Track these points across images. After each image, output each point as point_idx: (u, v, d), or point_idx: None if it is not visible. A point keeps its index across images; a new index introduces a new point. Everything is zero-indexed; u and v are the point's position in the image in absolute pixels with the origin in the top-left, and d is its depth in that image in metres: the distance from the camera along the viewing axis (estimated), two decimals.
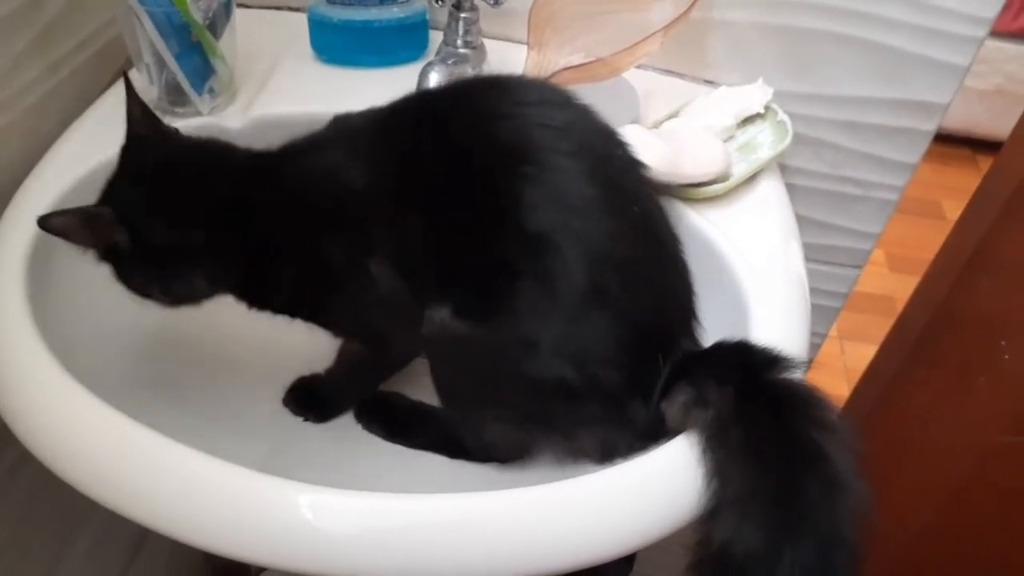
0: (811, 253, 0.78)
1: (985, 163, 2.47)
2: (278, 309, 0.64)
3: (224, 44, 0.72)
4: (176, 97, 0.72)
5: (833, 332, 1.00)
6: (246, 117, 0.74)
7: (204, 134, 0.71)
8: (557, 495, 0.50)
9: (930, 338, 0.94)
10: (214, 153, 0.62)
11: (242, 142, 0.64)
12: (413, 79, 0.74)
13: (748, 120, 0.78)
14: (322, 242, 0.59)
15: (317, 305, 0.63)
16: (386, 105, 0.62)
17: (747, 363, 0.56)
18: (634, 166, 0.61)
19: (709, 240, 0.67)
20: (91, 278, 0.60)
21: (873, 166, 0.85)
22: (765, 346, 0.56)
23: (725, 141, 0.75)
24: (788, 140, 0.74)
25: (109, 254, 0.59)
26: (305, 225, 0.60)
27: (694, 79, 0.84)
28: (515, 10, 0.74)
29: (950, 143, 2.48)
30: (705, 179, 0.70)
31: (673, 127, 0.76)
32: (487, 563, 0.48)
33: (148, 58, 0.70)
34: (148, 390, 0.65)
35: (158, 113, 0.72)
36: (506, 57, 0.78)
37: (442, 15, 0.78)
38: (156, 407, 0.61)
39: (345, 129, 0.62)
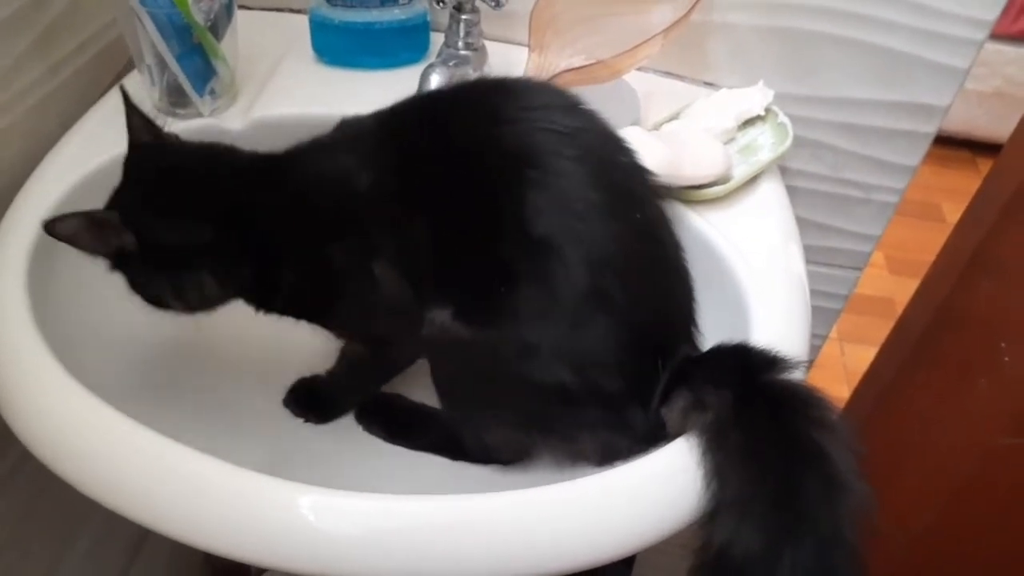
0: (811, 255, 0.79)
1: (985, 165, 2.47)
2: (284, 311, 0.64)
3: (225, 45, 0.72)
4: (177, 98, 0.72)
5: (833, 334, 1.00)
6: (247, 118, 0.74)
7: (205, 135, 0.72)
8: (557, 497, 0.50)
9: (930, 340, 0.94)
10: (217, 156, 0.62)
11: (243, 143, 0.64)
12: (414, 81, 0.74)
13: (748, 122, 0.78)
14: (326, 243, 0.59)
15: (321, 306, 0.63)
16: (390, 107, 0.62)
17: (745, 365, 0.56)
18: (639, 172, 0.61)
19: (710, 242, 0.67)
20: (93, 279, 0.60)
21: (873, 168, 0.85)
22: (764, 348, 0.57)
23: (725, 143, 0.75)
24: (788, 142, 0.74)
25: (120, 262, 0.59)
26: (310, 226, 0.60)
27: (695, 81, 0.84)
28: (516, 12, 0.74)
29: (950, 145, 2.48)
30: (706, 181, 0.70)
31: (673, 129, 0.76)
32: (487, 564, 0.48)
33: (149, 59, 0.70)
34: (149, 391, 0.65)
35: (160, 114, 0.72)
36: (507, 59, 0.79)
37: (443, 17, 0.78)
38: (157, 407, 0.61)
39: (350, 132, 0.62)
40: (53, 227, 0.54)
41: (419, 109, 0.63)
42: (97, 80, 0.77)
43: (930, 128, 0.81)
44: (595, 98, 0.61)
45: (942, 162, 2.45)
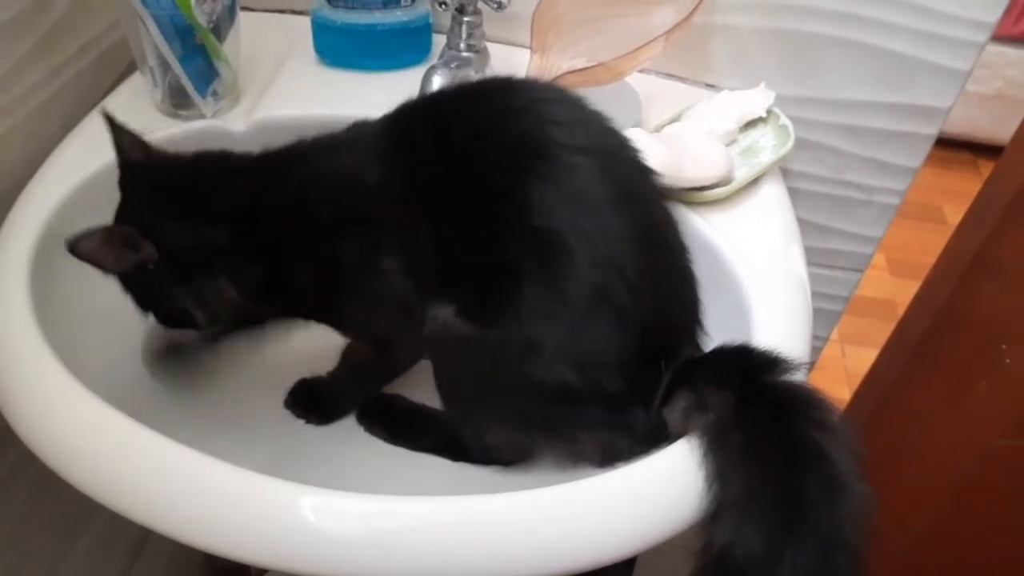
0: (812, 257, 0.79)
1: (986, 167, 2.47)
2: (294, 310, 0.64)
3: (228, 47, 0.72)
4: (180, 100, 0.72)
5: (834, 336, 1.00)
6: (249, 120, 0.74)
7: (208, 137, 0.72)
8: (558, 498, 0.50)
9: (931, 342, 0.94)
10: (217, 160, 0.62)
11: (245, 145, 0.64)
12: (416, 83, 0.75)
13: (750, 124, 0.78)
14: (335, 239, 0.59)
15: (329, 303, 0.63)
16: (397, 107, 0.62)
17: (747, 366, 0.56)
18: (644, 171, 0.61)
19: (711, 244, 0.67)
20: (95, 281, 0.60)
21: (874, 170, 0.85)
22: (765, 349, 0.56)
23: (727, 145, 0.75)
24: (790, 144, 0.74)
25: (137, 280, 0.59)
26: (319, 222, 0.60)
27: (696, 83, 0.84)
28: (518, 14, 0.74)
29: (951, 147, 2.48)
30: (707, 183, 0.70)
31: (675, 131, 0.76)
32: (488, 565, 0.48)
33: (152, 61, 0.70)
34: (150, 391, 0.65)
35: (162, 115, 0.72)
36: (509, 61, 0.79)
37: (445, 19, 0.78)
38: (158, 408, 0.61)
39: (356, 130, 0.63)
40: (76, 247, 0.54)
41: (425, 107, 0.63)
42: (99, 82, 0.77)
43: (931, 130, 0.81)
44: (597, 100, 0.61)
45: (943, 164, 2.45)
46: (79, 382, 0.53)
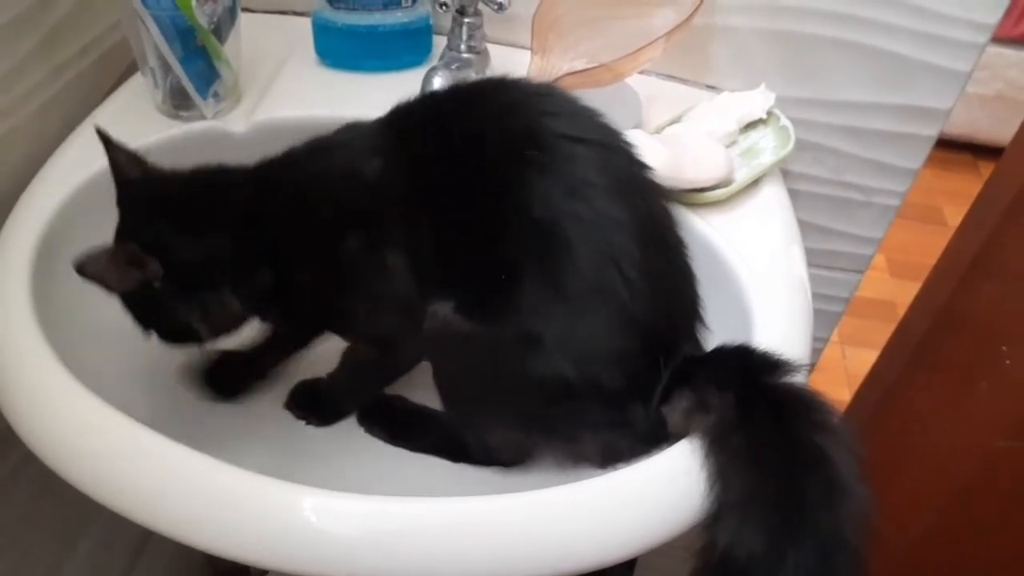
0: (813, 258, 0.79)
1: (986, 169, 2.47)
2: (295, 318, 0.64)
3: (229, 48, 0.72)
4: (180, 101, 0.72)
5: (834, 337, 1.00)
6: (250, 121, 0.74)
7: (208, 138, 0.72)
8: (559, 499, 0.50)
9: (931, 343, 0.94)
10: (212, 174, 0.62)
11: (246, 146, 0.64)
12: (417, 84, 0.75)
13: (750, 125, 0.78)
14: (336, 240, 0.59)
15: (332, 305, 0.63)
16: (393, 107, 0.63)
17: (748, 367, 0.56)
18: (641, 166, 0.61)
19: (712, 245, 0.67)
20: None
21: (875, 171, 0.85)
22: (766, 350, 0.57)
23: (727, 146, 0.75)
24: (790, 146, 0.74)
25: (140, 300, 0.59)
26: (319, 224, 0.60)
27: (696, 84, 0.84)
28: (519, 15, 0.75)
29: (951, 148, 2.48)
30: (707, 184, 0.70)
31: (675, 132, 0.76)
32: (489, 567, 0.48)
33: (153, 62, 0.70)
34: (151, 393, 0.65)
35: (163, 117, 0.72)
36: (510, 62, 0.79)
37: (446, 20, 0.78)
38: (159, 409, 0.61)
39: (350, 131, 0.63)
40: (83, 268, 0.54)
41: (421, 105, 0.63)
42: (100, 83, 0.77)
43: (932, 131, 0.81)
44: (597, 101, 0.62)
45: (944, 165, 2.45)
46: (80, 382, 0.53)
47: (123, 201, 0.60)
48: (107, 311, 0.61)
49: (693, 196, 0.70)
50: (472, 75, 0.76)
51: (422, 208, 0.58)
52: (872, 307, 1.69)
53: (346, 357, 0.71)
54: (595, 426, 0.59)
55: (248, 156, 0.63)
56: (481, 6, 0.75)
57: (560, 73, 0.72)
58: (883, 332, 1.05)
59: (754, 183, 0.73)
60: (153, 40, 0.68)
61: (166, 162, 0.71)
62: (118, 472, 0.50)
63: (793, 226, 0.73)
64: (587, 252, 0.55)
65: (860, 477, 0.50)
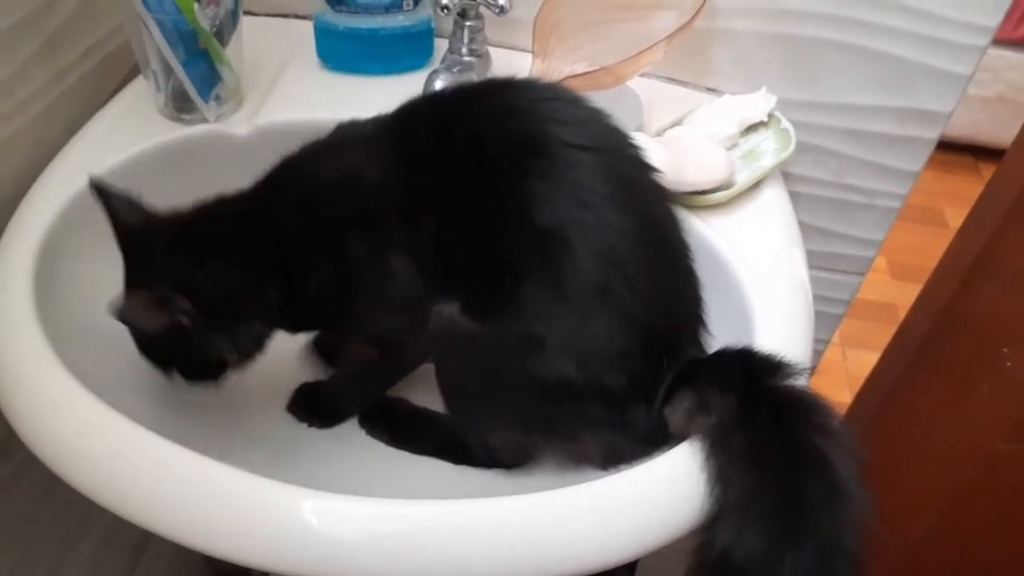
0: (814, 260, 0.79)
1: (987, 171, 2.47)
2: (305, 322, 0.64)
3: (231, 51, 0.73)
4: (182, 104, 0.72)
5: (835, 339, 1.00)
6: (252, 124, 0.74)
7: (210, 141, 0.72)
8: (560, 501, 0.50)
9: (932, 345, 0.94)
10: (216, 205, 0.62)
11: (248, 149, 0.64)
12: (418, 87, 0.75)
13: (751, 128, 0.78)
14: (342, 244, 0.59)
15: (339, 308, 0.63)
16: (396, 107, 0.63)
17: (750, 370, 0.56)
18: (646, 169, 0.61)
19: (713, 247, 0.68)
20: (98, 284, 0.60)
21: (876, 174, 0.85)
22: (768, 352, 0.57)
23: (728, 149, 0.75)
24: (791, 148, 0.74)
25: (166, 344, 0.59)
26: (324, 231, 0.60)
27: (698, 87, 0.84)
28: (520, 18, 0.75)
29: (952, 151, 2.47)
30: (709, 187, 0.70)
31: (677, 135, 0.76)
32: (490, 569, 0.48)
33: (155, 65, 0.70)
34: (153, 395, 0.65)
35: (165, 120, 0.72)
36: (511, 65, 0.79)
37: (447, 23, 0.78)
38: (161, 411, 0.61)
39: (356, 132, 0.63)
40: (123, 313, 0.55)
41: (425, 106, 0.63)
42: (102, 87, 0.77)
43: (933, 134, 0.81)
44: (599, 104, 0.62)
45: (945, 167, 2.45)
46: (81, 384, 0.53)
47: (132, 246, 0.59)
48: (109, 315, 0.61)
49: (694, 199, 0.70)
50: (473, 78, 0.76)
51: (426, 209, 0.59)
52: (873, 309, 1.69)
53: (348, 359, 0.71)
54: (596, 426, 0.59)
55: (250, 159, 0.63)
56: (483, 9, 0.75)
57: (561, 76, 0.72)
58: (884, 334, 1.05)
59: (755, 186, 0.73)
60: (155, 43, 0.68)
61: (169, 165, 0.71)
62: (119, 474, 0.50)
63: (794, 228, 0.73)
64: (590, 255, 0.55)
65: (860, 479, 0.50)
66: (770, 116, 0.78)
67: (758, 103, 0.77)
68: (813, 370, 0.59)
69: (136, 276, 0.59)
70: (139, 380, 0.67)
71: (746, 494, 0.50)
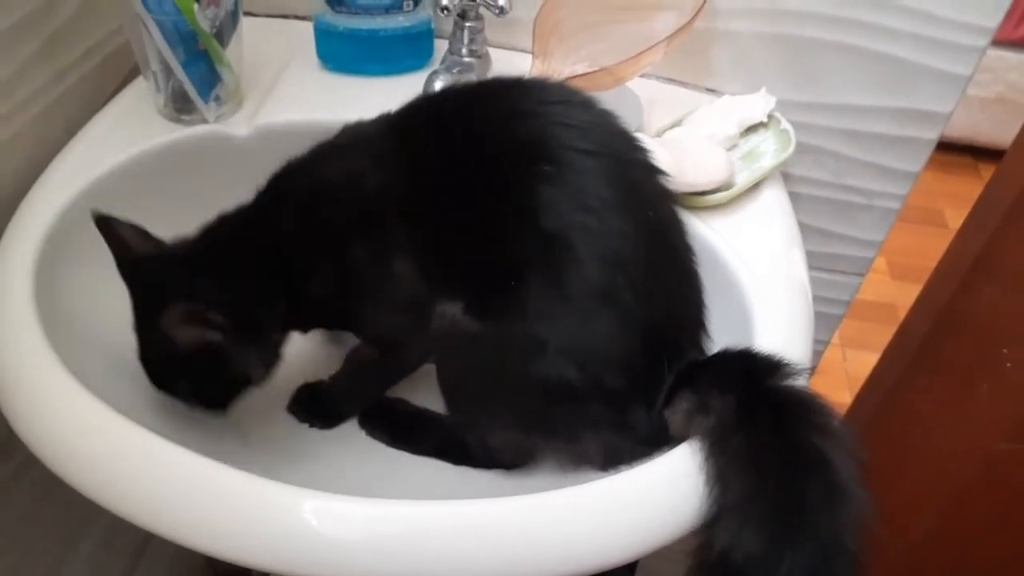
0: (814, 261, 0.79)
1: (987, 171, 2.47)
2: (310, 324, 0.64)
3: (231, 52, 0.73)
4: (182, 105, 0.72)
5: (835, 339, 1.00)
6: (252, 125, 0.74)
7: (210, 141, 0.72)
8: (560, 502, 0.50)
9: (932, 345, 0.94)
10: (222, 222, 0.62)
11: (248, 150, 0.64)
12: (418, 88, 0.75)
13: (751, 129, 0.78)
14: (348, 248, 0.60)
15: (345, 310, 0.63)
16: (401, 106, 0.63)
17: (749, 370, 0.56)
18: (652, 172, 0.61)
19: (713, 248, 0.68)
20: (98, 285, 0.60)
21: (875, 175, 0.85)
22: (767, 353, 0.57)
23: (728, 150, 0.75)
24: (791, 149, 0.74)
25: (207, 362, 0.59)
26: (331, 235, 0.60)
27: (697, 88, 0.84)
28: (520, 19, 0.75)
29: (952, 151, 2.47)
30: (708, 187, 0.70)
31: (676, 136, 0.76)
32: (490, 569, 0.48)
33: (155, 66, 0.70)
34: (153, 395, 0.65)
35: (165, 120, 0.73)
36: (511, 66, 0.79)
37: (447, 24, 0.78)
38: (161, 412, 0.61)
39: (357, 135, 0.63)
40: (169, 324, 0.55)
41: (432, 105, 0.63)
42: (102, 87, 0.77)
43: (932, 134, 0.81)
44: (606, 105, 0.62)
45: (944, 168, 2.45)
46: (82, 385, 0.53)
47: (147, 274, 0.59)
48: (109, 314, 0.61)
49: (694, 199, 0.70)
50: (473, 79, 0.76)
51: (430, 210, 0.59)
52: (873, 310, 1.69)
53: (349, 359, 0.71)
54: (597, 427, 0.59)
55: (250, 159, 0.63)
56: (482, 10, 0.75)
57: (561, 77, 0.72)
58: (884, 335, 1.05)
59: (755, 186, 0.73)
60: (155, 44, 0.68)
61: (169, 165, 0.71)
62: (119, 474, 0.50)
63: (794, 229, 0.73)
64: (593, 259, 0.55)
65: (860, 480, 0.50)
66: (770, 117, 0.78)
67: (758, 104, 0.77)
68: (813, 370, 0.59)
69: (151, 304, 0.58)
70: (139, 380, 0.67)
71: (745, 495, 0.50)
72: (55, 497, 0.78)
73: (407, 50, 0.82)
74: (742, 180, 0.72)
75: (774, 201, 0.74)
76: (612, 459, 0.58)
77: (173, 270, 0.60)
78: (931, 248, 1.03)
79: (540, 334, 0.56)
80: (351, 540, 0.48)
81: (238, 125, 0.74)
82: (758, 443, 0.52)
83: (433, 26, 0.82)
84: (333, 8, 0.79)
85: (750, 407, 0.53)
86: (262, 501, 0.49)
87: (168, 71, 0.70)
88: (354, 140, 0.63)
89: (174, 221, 0.62)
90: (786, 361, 0.55)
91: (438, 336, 0.59)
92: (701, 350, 0.61)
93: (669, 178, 0.61)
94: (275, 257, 0.60)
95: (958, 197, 1.81)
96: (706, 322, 0.62)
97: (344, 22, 0.79)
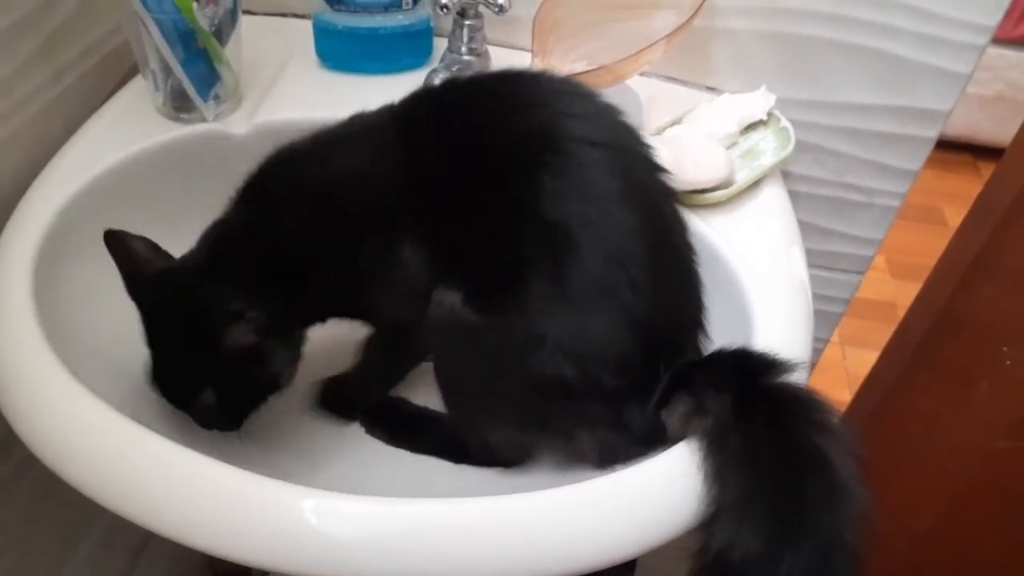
0: (813, 259, 0.79)
1: (987, 170, 2.47)
2: (330, 315, 0.64)
3: (230, 51, 0.73)
4: (181, 103, 0.72)
5: (835, 338, 1.00)
6: (251, 123, 0.74)
7: (209, 140, 0.72)
8: (559, 500, 0.50)
9: (932, 344, 0.94)
10: (226, 226, 0.62)
11: (247, 148, 0.64)
12: (418, 86, 0.75)
13: (751, 127, 0.78)
14: (357, 240, 0.60)
15: (354, 299, 0.63)
16: (407, 96, 0.63)
17: (746, 369, 0.56)
18: (655, 170, 0.61)
19: (712, 246, 0.68)
20: (98, 284, 0.60)
21: (875, 173, 0.85)
22: (764, 351, 0.57)
23: (728, 148, 0.75)
24: (791, 147, 0.74)
25: (230, 368, 0.58)
26: (339, 227, 0.60)
27: (697, 86, 0.84)
28: (519, 17, 0.75)
29: (952, 150, 2.48)
30: (708, 185, 0.70)
31: (676, 134, 0.76)
32: (490, 567, 0.48)
33: (154, 64, 0.70)
34: (152, 394, 0.65)
35: (164, 119, 0.72)
36: (510, 64, 0.78)
37: (447, 22, 0.78)
38: (161, 411, 0.61)
39: (364, 124, 0.63)
40: (232, 334, 0.56)
41: (437, 97, 0.63)
42: (101, 86, 0.77)
43: (932, 132, 0.81)
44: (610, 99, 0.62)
45: (944, 166, 2.45)
46: (81, 384, 0.53)
47: (167, 289, 0.59)
48: (108, 313, 0.61)
49: (694, 197, 0.70)
50: None
51: (434, 200, 0.59)
52: (872, 308, 1.69)
53: (366, 350, 0.70)
54: (592, 425, 0.59)
55: (249, 158, 0.63)
56: (482, 8, 0.75)
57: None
58: (883, 333, 1.05)
59: (755, 184, 0.73)
60: (154, 43, 0.68)
61: (167, 164, 0.71)
62: (119, 473, 0.50)
63: (793, 227, 0.73)
64: (594, 253, 0.55)
65: (860, 478, 0.50)
66: (769, 115, 0.78)
67: (757, 102, 0.77)
68: (812, 369, 0.59)
69: (185, 312, 0.58)
70: (139, 379, 0.66)
71: (743, 494, 0.50)
72: (55, 497, 0.78)
73: (406, 48, 0.82)
74: (742, 178, 0.72)
75: (774, 199, 0.74)
76: (607, 457, 0.58)
77: (197, 281, 0.59)
78: (931, 246, 1.03)
79: (538, 329, 0.56)
80: (351, 538, 0.48)
81: (237, 124, 0.74)
82: (755, 442, 0.52)
83: (432, 24, 0.82)
84: (332, 6, 0.79)
85: (747, 406, 0.53)
86: (262, 500, 0.49)
87: (167, 70, 0.70)
88: (359, 131, 0.63)
89: (173, 220, 0.62)
90: (782, 359, 0.55)
91: (435, 326, 0.59)
92: (698, 351, 0.61)
93: (671, 175, 0.61)
94: (291, 254, 0.60)
95: (957, 195, 1.82)
96: (705, 323, 0.61)
97: (343, 20, 0.79)
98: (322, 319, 0.65)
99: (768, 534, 0.49)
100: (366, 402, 0.70)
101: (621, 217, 0.56)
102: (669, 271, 0.60)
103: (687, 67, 0.83)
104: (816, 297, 0.68)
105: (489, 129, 0.59)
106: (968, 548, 1.03)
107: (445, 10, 0.75)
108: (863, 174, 0.85)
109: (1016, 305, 0.86)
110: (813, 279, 0.69)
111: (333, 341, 0.68)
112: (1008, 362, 0.88)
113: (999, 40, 2.17)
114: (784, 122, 0.77)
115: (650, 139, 0.63)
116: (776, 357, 0.55)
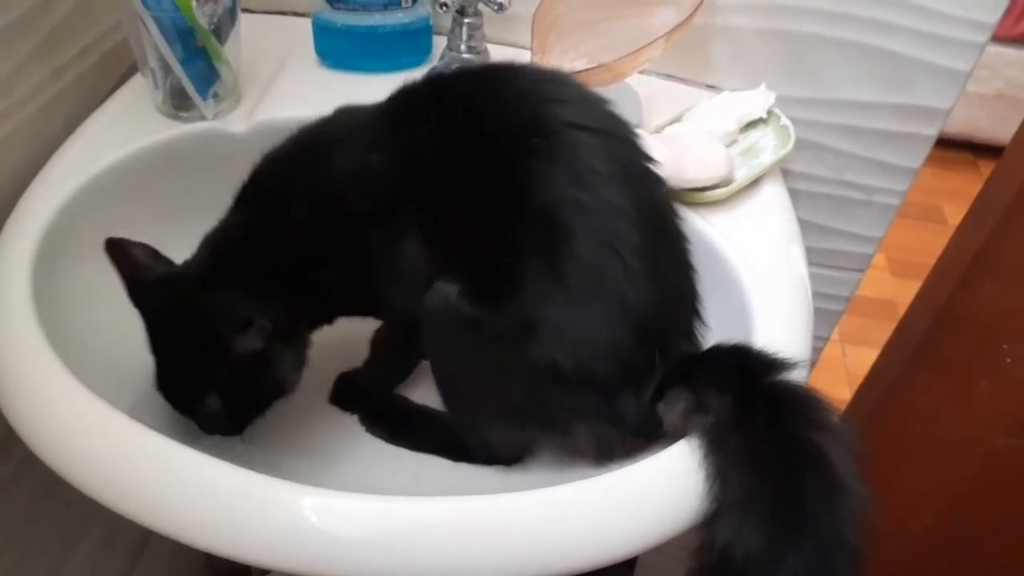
0: (813, 257, 0.79)
1: (986, 168, 2.47)
2: (336, 314, 0.64)
3: (229, 49, 0.73)
4: (180, 102, 0.72)
5: (835, 336, 1.00)
6: (250, 122, 0.74)
7: (209, 138, 0.72)
8: (560, 498, 0.50)
9: (932, 342, 0.94)
10: (227, 231, 0.61)
11: (246, 147, 0.64)
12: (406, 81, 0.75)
13: (751, 125, 0.78)
14: (358, 236, 0.60)
15: (357, 294, 0.63)
16: (396, 90, 0.63)
17: (746, 367, 0.56)
18: (645, 158, 0.60)
19: (712, 244, 0.68)
20: (97, 283, 0.60)
21: (875, 171, 0.85)
22: (763, 349, 0.57)
23: (728, 146, 0.75)
24: (790, 145, 0.74)
25: (240, 373, 0.58)
26: (338, 225, 0.60)
27: (697, 84, 0.84)
28: (519, 15, 0.75)
29: (951, 148, 2.48)
30: (708, 183, 0.70)
31: (676, 132, 0.76)
32: (490, 566, 0.48)
33: (153, 63, 0.70)
34: (153, 394, 0.65)
35: (163, 117, 0.72)
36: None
37: (446, 20, 0.78)
38: (161, 410, 0.61)
39: (353, 121, 0.63)
40: (241, 340, 0.56)
41: (426, 89, 0.63)
42: (100, 84, 0.77)
43: (932, 130, 0.81)
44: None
45: (944, 164, 2.45)
46: (81, 383, 0.53)
47: (170, 295, 0.59)
48: (108, 312, 0.61)
49: (693, 195, 0.70)
50: None
51: (430, 192, 0.59)
52: (872, 306, 1.69)
53: (375, 344, 0.70)
54: (587, 418, 0.58)
55: (248, 156, 0.63)
56: (481, 6, 0.75)
57: None
58: (883, 331, 1.05)
59: (754, 182, 0.73)
60: (153, 41, 0.68)
61: (167, 162, 0.71)
62: (119, 472, 0.50)
63: (793, 225, 0.73)
64: (588, 240, 0.55)
65: (859, 476, 0.50)
66: (769, 113, 0.78)
67: (757, 100, 0.77)
68: (812, 367, 0.59)
69: (190, 319, 0.58)
70: (139, 378, 0.66)
71: (744, 492, 0.50)
72: (55, 497, 0.78)
73: (406, 46, 0.82)
74: (741, 176, 0.72)
75: (773, 197, 0.74)
76: (604, 452, 0.57)
77: (201, 287, 0.59)
78: (930, 244, 1.03)
79: (532, 317, 0.55)
80: (351, 537, 0.48)
81: (236, 122, 0.74)
82: (756, 440, 0.52)
83: (432, 22, 0.82)
84: (331, 5, 0.79)
85: (747, 404, 0.53)
86: (262, 498, 0.49)
87: (166, 68, 0.70)
88: (350, 128, 0.62)
89: (173, 218, 0.62)
90: (782, 357, 0.55)
91: (429, 315, 0.58)
92: (695, 339, 0.60)
93: (659, 164, 0.61)
94: (294, 256, 0.60)
95: (957, 193, 1.82)
96: (701, 311, 0.61)
97: (342, 19, 0.79)
98: (328, 320, 0.65)
99: (769, 532, 0.49)
100: (384, 392, 0.70)
101: (614, 201, 0.56)
102: (662, 256, 0.59)
103: (687, 65, 0.83)
104: (816, 295, 0.68)
105: (479, 119, 0.59)
106: (968, 546, 1.03)
107: (444, 8, 0.75)
108: (863, 172, 0.85)
109: (1016, 303, 0.86)
110: (813, 277, 0.69)
111: (340, 339, 0.68)
112: (1008, 360, 0.88)
113: (999, 38, 2.17)
114: (784, 120, 0.77)
115: (636, 127, 0.63)
116: (776, 355, 0.55)
